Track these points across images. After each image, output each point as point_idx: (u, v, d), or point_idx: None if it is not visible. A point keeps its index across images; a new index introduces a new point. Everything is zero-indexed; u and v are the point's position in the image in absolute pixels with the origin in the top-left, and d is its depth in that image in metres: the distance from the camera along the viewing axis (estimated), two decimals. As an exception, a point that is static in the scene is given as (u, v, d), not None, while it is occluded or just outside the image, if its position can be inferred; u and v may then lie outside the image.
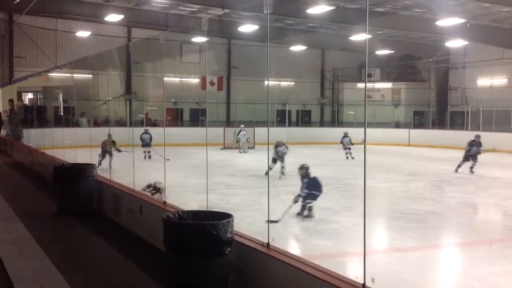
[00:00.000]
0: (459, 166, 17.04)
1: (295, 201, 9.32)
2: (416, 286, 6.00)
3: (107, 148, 15.76)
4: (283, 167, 15.10)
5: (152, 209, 7.30)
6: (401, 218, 9.98)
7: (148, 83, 27.51)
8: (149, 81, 27.41)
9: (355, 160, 19.11)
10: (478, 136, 17.59)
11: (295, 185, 10.01)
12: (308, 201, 9.43)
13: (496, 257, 7.40)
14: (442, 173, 17.32)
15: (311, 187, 9.47)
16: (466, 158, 17.01)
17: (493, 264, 6.98)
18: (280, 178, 14.44)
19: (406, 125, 32.84)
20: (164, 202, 7.25)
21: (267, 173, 8.58)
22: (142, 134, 19.25)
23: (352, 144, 20.70)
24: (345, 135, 21.24)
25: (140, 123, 24.80)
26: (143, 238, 7.36)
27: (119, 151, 15.47)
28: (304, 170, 9.81)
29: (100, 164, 14.18)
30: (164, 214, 5.49)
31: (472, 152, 16.93)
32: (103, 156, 15.64)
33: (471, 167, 16.80)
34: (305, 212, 9.43)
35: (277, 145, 15.34)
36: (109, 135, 16.06)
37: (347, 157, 20.60)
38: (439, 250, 8.24)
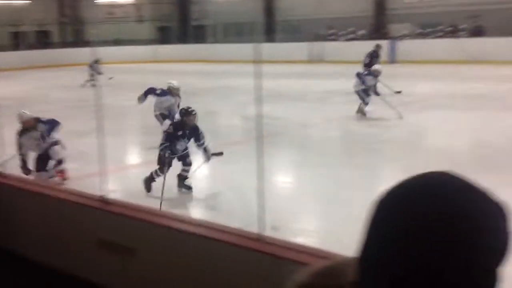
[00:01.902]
0: None
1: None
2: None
3: None
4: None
5: None
6: (149, 134, 10.16)
7: None
8: None
9: (104, 81, 18.23)
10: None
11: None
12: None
13: (234, 155, 8.08)
14: (187, 85, 17.97)
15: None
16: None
17: (232, 163, 7.61)
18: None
19: (152, 42, 32.91)
20: None
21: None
22: None
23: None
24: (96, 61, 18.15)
25: None
26: None
27: None
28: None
29: None
30: None
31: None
32: None
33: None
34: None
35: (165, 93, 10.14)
36: None
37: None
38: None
